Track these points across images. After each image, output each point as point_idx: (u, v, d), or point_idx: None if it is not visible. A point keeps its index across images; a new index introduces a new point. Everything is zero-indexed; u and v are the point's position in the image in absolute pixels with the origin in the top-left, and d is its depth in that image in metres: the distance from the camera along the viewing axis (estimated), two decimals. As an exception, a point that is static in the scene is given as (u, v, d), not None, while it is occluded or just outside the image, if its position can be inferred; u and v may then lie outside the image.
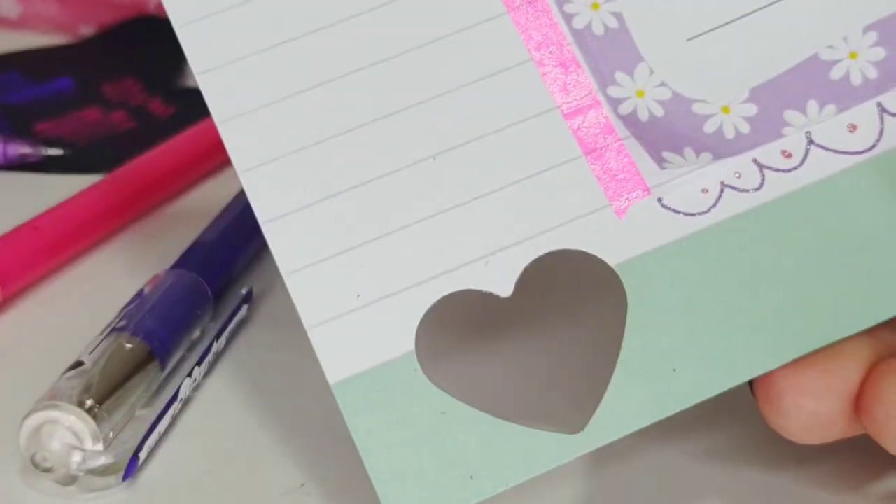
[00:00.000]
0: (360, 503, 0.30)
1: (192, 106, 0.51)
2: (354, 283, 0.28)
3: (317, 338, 0.28)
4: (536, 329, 0.36)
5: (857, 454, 0.30)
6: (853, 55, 0.29)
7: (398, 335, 0.28)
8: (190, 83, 0.54)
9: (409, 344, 0.28)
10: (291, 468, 0.31)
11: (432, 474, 0.27)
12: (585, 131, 0.29)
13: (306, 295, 0.28)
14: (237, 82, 0.29)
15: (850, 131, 0.28)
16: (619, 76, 0.29)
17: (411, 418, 0.27)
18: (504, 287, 0.28)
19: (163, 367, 0.33)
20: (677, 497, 0.30)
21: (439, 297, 0.28)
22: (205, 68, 0.29)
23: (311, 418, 0.32)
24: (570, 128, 0.29)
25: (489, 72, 0.29)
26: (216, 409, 0.33)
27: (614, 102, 0.29)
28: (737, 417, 0.32)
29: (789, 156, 0.28)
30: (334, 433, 0.32)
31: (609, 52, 0.29)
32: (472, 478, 0.27)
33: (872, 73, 0.28)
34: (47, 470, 0.29)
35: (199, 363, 0.34)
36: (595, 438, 0.27)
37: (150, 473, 0.31)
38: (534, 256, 0.28)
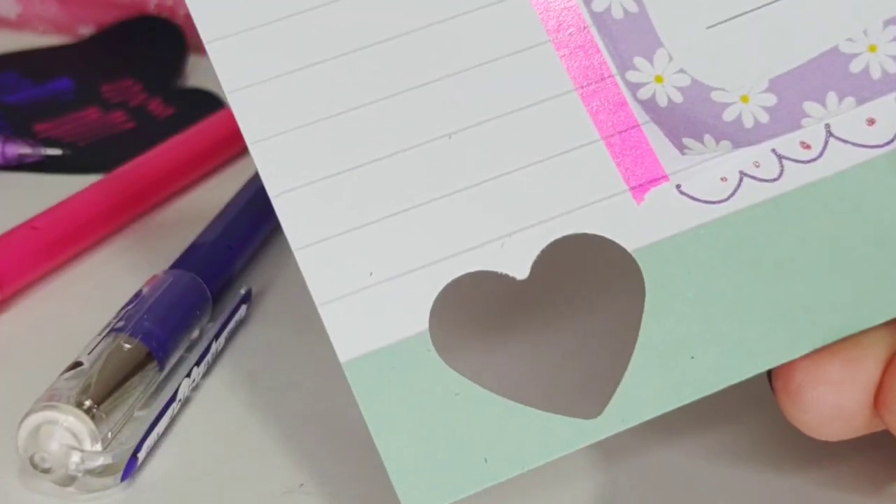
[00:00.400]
0: (359, 503, 0.30)
1: (192, 106, 0.51)
2: (367, 260, 0.28)
3: (328, 315, 0.27)
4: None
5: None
6: (872, 48, 0.29)
7: (412, 314, 0.27)
8: (189, 83, 0.54)
9: (423, 324, 0.27)
10: (291, 468, 0.31)
11: (446, 456, 0.27)
12: (603, 115, 0.29)
13: (317, 271, 0.27)
14: (248, 52, 0.29)
15: (869, 125, 0.28)
16: (638, 61, 0.29)
17: (424, 399, 0.27)
18: (520, 269, 0.28)
19: (161, 367, 0.33)
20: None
21: (454, 277, 0.28)
22: (215, 37, 0.29)
23: (311, 418, 0.32)
24: (588, 111, 0.29)
25: (506, 51, 0.29)
26: (215, 409, 0.33)
27: (633, 87, 0.29)
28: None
29: (808, 147, 0.28)
30: (334, 433, 0.32)
31: (628, 37, 0.29)
32: (486, 461, 0.27)
33: (892, 68, 0.28)
34: (46, 471, 0.29)
35: (197, 363, 0.34)
36: (611, 424, 0.27)
37: (149, 474, 0.31)
38: (550, 239, 0.28)
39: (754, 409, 0.31)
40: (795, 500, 0.29)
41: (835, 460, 0.30)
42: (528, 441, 0.27)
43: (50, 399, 0.30)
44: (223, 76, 0.28)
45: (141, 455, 0.30)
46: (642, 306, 0.28)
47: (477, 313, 0.35)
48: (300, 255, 0.28)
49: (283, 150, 0.28)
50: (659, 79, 0.29)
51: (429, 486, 0.27)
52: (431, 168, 0.28)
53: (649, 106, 0.29)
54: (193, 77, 0.54)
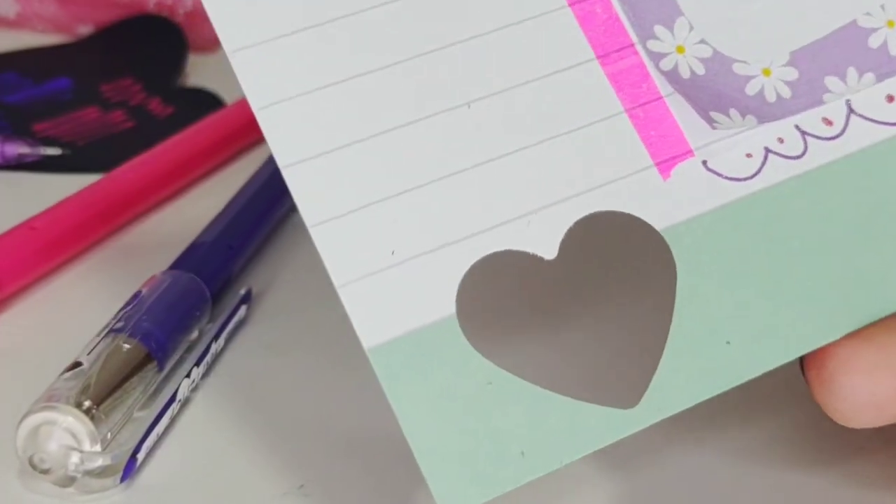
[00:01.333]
0: (359, 504, 0.30)
1: (191, 106, 0.51)
2: (388, 237, 0.26)
3: (348, 297, 0.25)
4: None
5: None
6: (891, 24, 0.28)
7: (438, 297, 0.25)
8: (189, 83, 0.54)
9: (450, 307, 0.25)
10: (290, 469, 0.31)
11: (480, 450, 0.25)
12: (626, 86, 0.27)
13: (335, 250, 0.25)
14: (251, 7, 0.26)
15: (889, 101, 0.28)
16: (659, 30, 0.28)
17: (456, 389, 0.25)
18: (548, 249, 0.26)
19: (160, 368, 0.33)
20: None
21: (480, 256, 0.26)
22: None
23: (310, 419, 0.32)
24: (611, 81, 0.27)
25: (524, 16, 0.27)
26: (214, 410, 0.33)
27: (655, 57, 0.28)
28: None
29: (830, 123, 0.28)
30: (333, 434, 0.32)
31: (648, 4, 0.28)
32: (523, 454, 0.25)
33: None
34: (45, 471, 0.29)
35: (197, 364, 0.34)
36: (650, 414, 0.26)
37: (148, 475, 0.31)
38: (577, 217, 0.26)
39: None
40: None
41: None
42: (566, 433, 0.25)
43: (49, 399, 0.30)
44: (223, 35, 0.26)
45: (140, 456, 0.30)
46: (674, 289, 0.26)
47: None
48: (315, 232, 0.25)
49: (291, 116, 0.26)
50: (680, 49, 0.28)
51: (465, 482, 0.25)
52: (450, 139, 0.26)
53: (672, 77, 0.28)
54: (193, 76, 0.54)
